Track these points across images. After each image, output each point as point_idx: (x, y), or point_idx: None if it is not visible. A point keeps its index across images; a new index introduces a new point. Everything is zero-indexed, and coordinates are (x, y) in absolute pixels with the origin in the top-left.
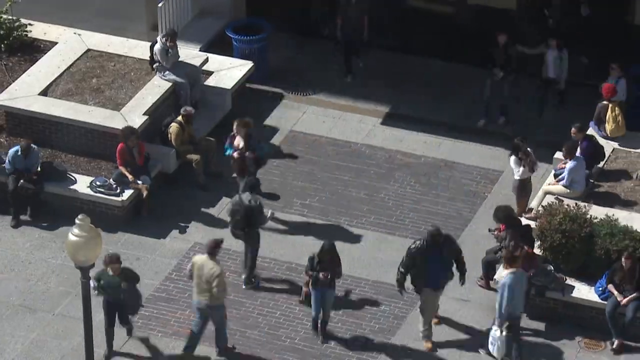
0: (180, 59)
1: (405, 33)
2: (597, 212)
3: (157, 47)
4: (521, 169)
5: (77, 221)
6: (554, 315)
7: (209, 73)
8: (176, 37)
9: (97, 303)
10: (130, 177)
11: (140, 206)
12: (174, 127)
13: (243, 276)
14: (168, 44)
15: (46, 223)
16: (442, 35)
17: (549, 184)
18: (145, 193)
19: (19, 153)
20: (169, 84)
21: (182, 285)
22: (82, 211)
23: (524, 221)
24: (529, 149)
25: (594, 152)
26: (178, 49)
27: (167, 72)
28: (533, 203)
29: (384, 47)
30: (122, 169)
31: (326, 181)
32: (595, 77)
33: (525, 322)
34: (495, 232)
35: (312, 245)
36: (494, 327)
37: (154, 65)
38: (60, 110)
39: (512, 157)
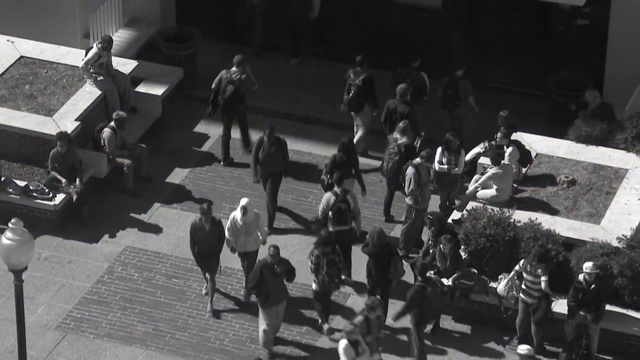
0: (109, 66)
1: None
2: (521, 216)
3: (92, 51)
4: (440, 164)
5: (10, 225)
6: (478, 318)
7: (140, 80)
8: (111, 43)
9: (30, 304)
10: (62, 180)
11: (78, 213)
12: (107, 133)
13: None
14: (102, 50)
15: None
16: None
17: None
18: (75, 197)
19: None
20: (100, 91)
21: (113, 288)
22: (15, 215)
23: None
24: (462, 149)
25: (521, 157)
26: (111, 56)
27: (99, 78)
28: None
29: (308, 54)
30: (54, 172)
31: (255, 185)
32: (518, 83)
33: (451, 324)
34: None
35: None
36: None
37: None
38: None
39: (439, 149)
